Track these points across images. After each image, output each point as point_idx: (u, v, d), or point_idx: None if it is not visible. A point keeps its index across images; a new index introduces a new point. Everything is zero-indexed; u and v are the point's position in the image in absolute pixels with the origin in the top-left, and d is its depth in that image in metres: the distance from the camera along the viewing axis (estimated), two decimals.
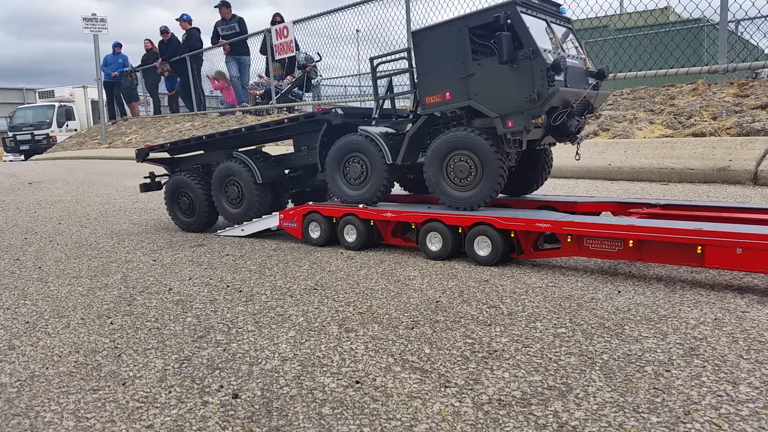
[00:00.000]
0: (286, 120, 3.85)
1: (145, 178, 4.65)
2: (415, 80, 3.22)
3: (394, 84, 3.65)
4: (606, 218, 2.91)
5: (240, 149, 4.12)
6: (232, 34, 12.35)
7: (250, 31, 12.45)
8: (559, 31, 3.08)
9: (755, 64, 6.00)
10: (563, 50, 2.94)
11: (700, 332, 1.86)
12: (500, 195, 3.59)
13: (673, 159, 5.21)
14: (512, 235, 2.80)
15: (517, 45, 2.73)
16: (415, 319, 2.10)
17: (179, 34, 14.02)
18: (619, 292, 2.33)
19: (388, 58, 3.53)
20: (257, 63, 12.55)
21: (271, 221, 3.74)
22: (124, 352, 1.91)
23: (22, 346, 2.01)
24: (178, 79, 14.29)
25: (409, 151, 3.21)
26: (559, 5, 3.22)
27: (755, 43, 9.84)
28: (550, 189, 5.20)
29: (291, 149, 3.98)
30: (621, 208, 3.20)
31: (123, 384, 1.67)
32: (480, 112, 2.94)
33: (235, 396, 1.56)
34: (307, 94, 11.90)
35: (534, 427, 1.35)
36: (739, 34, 9.65)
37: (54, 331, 2.16)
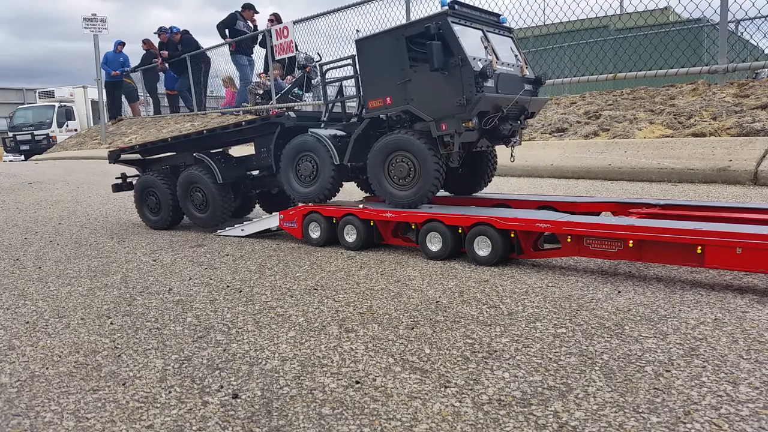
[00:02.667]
0: (243, 123, 3.99)
1: (117, 178, 4.82)
2: (360, 85, 3.40)
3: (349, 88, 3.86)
4: (606, 218, 2.91)
5: (208, 151, 4.27)
6: (243, 33, 12.36)
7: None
8: (498, 40, 3.27)
9: (755, 64, 6.00)
10: (497, 58, 3.10)
11: (700, 332, 1.86)
12: (449, 194, 3.88)
13: (673, 159, 5.21)
14: (512, 235, 2.80)
15: (448, 53, 2.89)
16: (415, 319, 2.10)
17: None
18: (619, 292, 2.33)
19: (336, 64, 3.76)
20: (259, 62, 12.57)
21: (271, 221, 3.75)
22: (124, 352, 1.91)
23: (22, 346, 2.01)
24: (179, 79, 14.30)
25: (355, 153, 3.41)
26: (499, 15, 3.42)
27: (755, 43, 9.84)
28: (550, 189, 5.20)
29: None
30: (621, 208, 3.20)
31: (123, 384, 1.67)
32: (419, 116, 3.11)
33: (235, 396, 1.56)
34: (307, 94, 11.88)
35: (534, 427, 1.35)
36: (739, 34, 9.64)
37: (54, 331, 2.16)
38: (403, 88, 3.10)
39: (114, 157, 4.70)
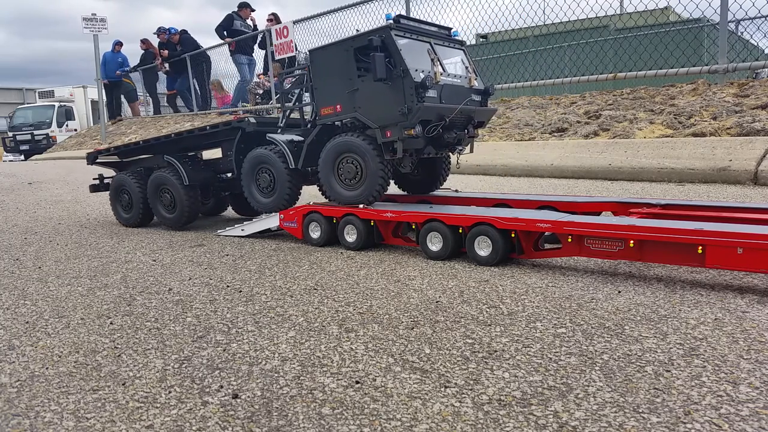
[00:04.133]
0: (208, 127, 4.09)
1: (94, 179, 4.94)
2: (313, 93, 3.53)
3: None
4: (607, 218, 2.91)
5: (178, 154, 4.37)
6: (242, 33, 12.36)
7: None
8: (448, 52, 3.40)
9: (755, 64, 6.00)
10: (443, 70, 3.22)
11: (700, 332, 1.86)
12: (406, 193, 4.03)
13: (673, 159, 5.21)
14: (513, 235, 2.80)
15: (392, 64, 3.02)
16: (415, 319, 2.10)
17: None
18: (619, 292, 2.33)
19: (293, 73, 3.97)
20: (259, 62, 12.57)
21: (271, 221, 3.74)
22: (124, 352, 1.91)
23: (22, 346, 2.01)
24: (179, 79, 14.30)
25: (308, 157, 3.53)
26: (450, 29, 3.55)
27: (755, 43, 9.83)
28: (550, 189, 5.20)
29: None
30: (621, 208, 3.19)
31: (123, 384, 1.67)
32: (366, 123, 3.23)
33: (235, 396, 1.56)
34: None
35: (534, 427, 1.35)
36: (739, 34, 9.64)
37: (54, 331, 2.16)
38: (351, 96, 3.24)
39: (92, 159, 4.87)
